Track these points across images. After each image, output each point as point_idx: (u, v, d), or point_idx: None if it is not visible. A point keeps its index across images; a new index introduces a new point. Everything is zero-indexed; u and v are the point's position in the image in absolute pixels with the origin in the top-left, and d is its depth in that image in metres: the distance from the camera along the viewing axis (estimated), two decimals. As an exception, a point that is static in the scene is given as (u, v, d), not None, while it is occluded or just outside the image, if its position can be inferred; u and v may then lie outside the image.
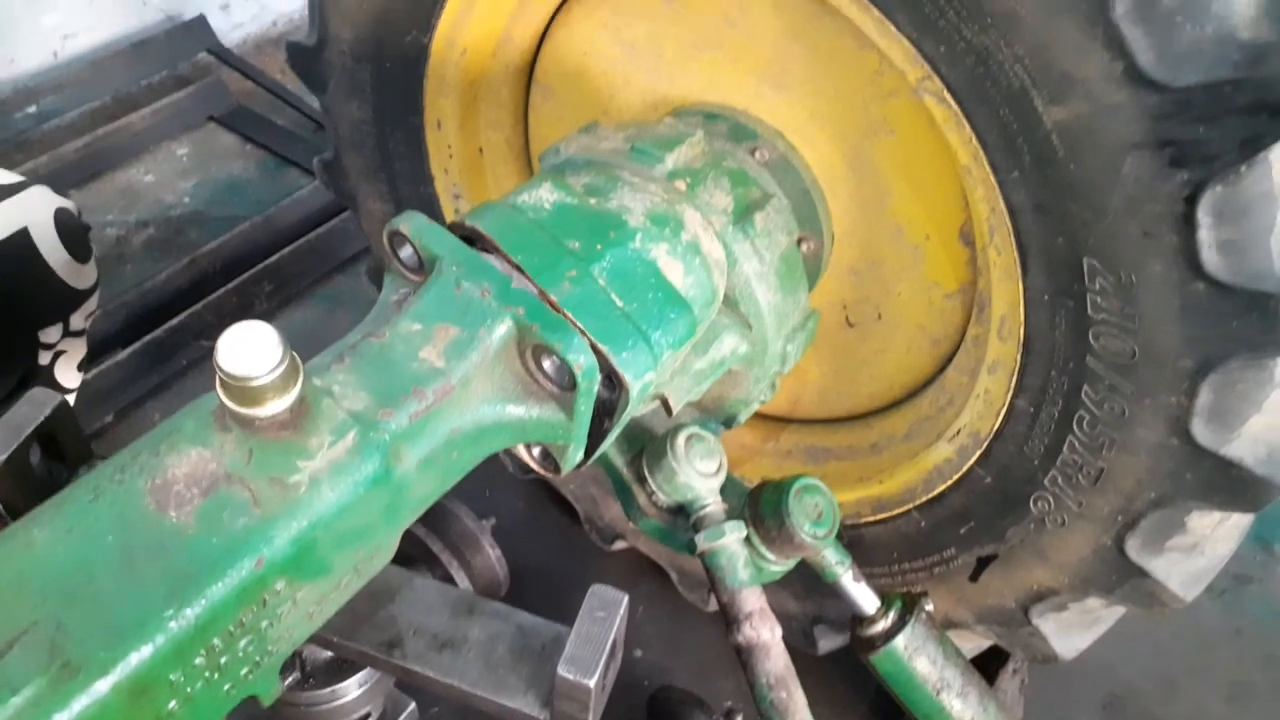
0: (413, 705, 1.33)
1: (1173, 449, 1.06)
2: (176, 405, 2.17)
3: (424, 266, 1.00)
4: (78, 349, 1.61)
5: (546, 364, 0.96)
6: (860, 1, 1.02)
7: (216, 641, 0.78)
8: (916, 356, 1.40)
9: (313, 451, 0.82)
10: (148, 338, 2.12)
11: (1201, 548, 1.18)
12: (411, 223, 0.99)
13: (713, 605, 1.76)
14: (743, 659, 1.10)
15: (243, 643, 0.81)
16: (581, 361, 0.93)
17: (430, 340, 0.94)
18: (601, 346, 0.98)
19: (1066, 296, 1.05)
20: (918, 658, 1.20)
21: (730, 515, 1.14)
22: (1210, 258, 0.93)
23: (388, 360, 0.92)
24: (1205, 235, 0.92)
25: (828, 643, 1.59)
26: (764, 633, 1.09)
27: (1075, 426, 1.12)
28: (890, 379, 1.45)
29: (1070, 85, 0.92)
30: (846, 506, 1.44)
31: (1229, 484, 1.06)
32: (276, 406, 0.79)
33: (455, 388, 0.92)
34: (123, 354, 2.08)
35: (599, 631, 0.94)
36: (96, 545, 0.77)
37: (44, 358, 1.59)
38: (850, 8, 1.05)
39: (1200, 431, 1.03)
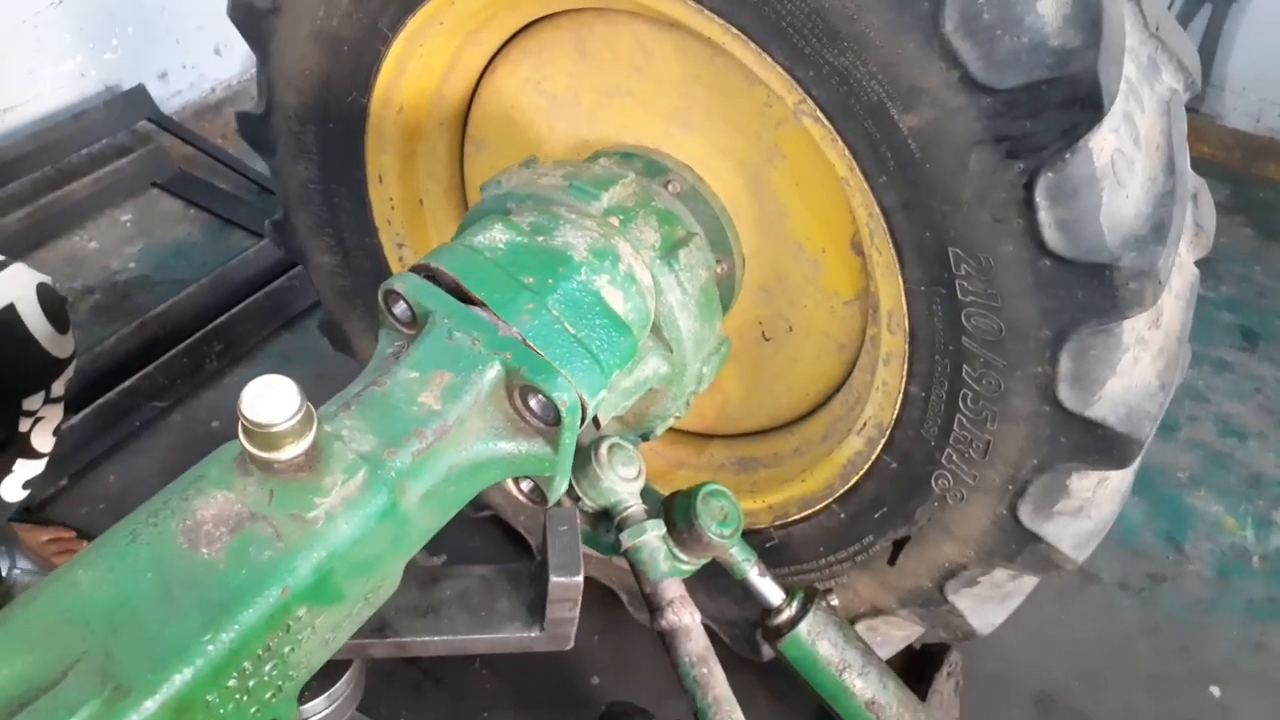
0: None
1: (1045, 415, 1.18)
2: (131, 467, 2.24)
3: (416, 321, 1.11)
4: (55, 415, 1.67)
5: (533, 402, 1.06)
6: (740, 39, 1.17)
7: (247, 665, 0.85)
8: (826, 363, 1.52)
9: (327, 489, 0.91)
10: (100, 401, 2.17)
11: (1087, 511, 1.30)
12: (405, 282, 1.10)
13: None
14: (666, 642, 1.19)
15: (268, 667, 0.87)
16: (565, 399, 1.04)
17: (427, 386, 1.04)
18: (564, 371, 1.09)
19: (939, 285, 1.18)
20: (820, 641, 1.31)
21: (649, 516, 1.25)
22: (1051, 236, 1.07)
23: (390, 406, 1.02)
24: (1044, 216, 1.06)
25: (771, 649, 1.67)
26: (685, 617, 1.19)
27: (961, 404, 1.25)
28: (806, 386, 1.57)
29: (918, 94, 1.06)
30: (775, 507, 1.55)
31: (1096, 443, 1.18)
32: (294, 450, 0.88)
33: (452, 428, 1.02)
34: (75, 418, 2.12)
35: (569, 540, 1.05)
36: (137, 582, 0.83)
37: (24, 424, 1.65)
38: (734, 45, 1.20)
39: (1066, 396, 1.16)
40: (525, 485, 1.15)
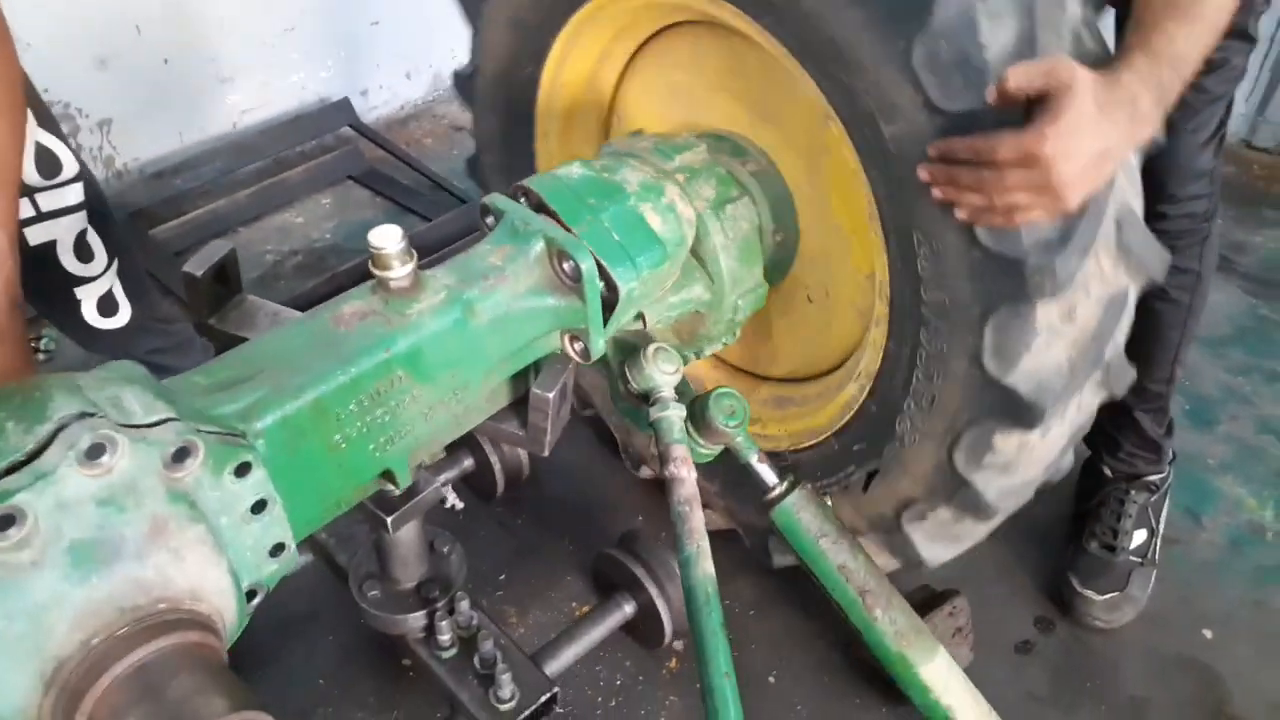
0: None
1: (974, 377, 1.49)
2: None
3: (499, 223, 1.58)
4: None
5: (565, 266, 1.48)
6: (792, 61, 1.55)
7: (363, 398, 1.29)
8: (850, 325, 1.86)
9: (421, 300, 1.37)
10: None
11: (1011, 469, 1.58)
12: (494, 199, 1.56)
13: (643, 474, 2.31)
14: (668, 486, 1.57)
15: (379, 411, 1.32)
16: (585, 264, 1.45)
17: (494, 253, 1.50)
18: (604, 263, 1.52)
19: (908, 262, 1.51)
20: (802, 513, 1.63)
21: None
22: (981, 232, 1.39)
23: (468, 263, 1.48)
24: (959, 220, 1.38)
25: (780, 558, 2.03)
26: (683, 470, 1.56)
27: (918, 361, 1.57)
28: (834, 344, 1.91)
29: (896, 110, 1.41)
30: (794, 435, 1.91)
31: (1010, 406, 1.48)
32: (400, 271, 1.34)
33: (509, 278, 1.46)
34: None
35: (557, 370, 1.49)
36: (301, 340, 1.32)
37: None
38: (790, 63, 1.57)
39: (989, 363, 1.46)
40: (578, 346, 1.57)
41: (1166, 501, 2.20)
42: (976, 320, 1.45)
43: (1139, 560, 2.11)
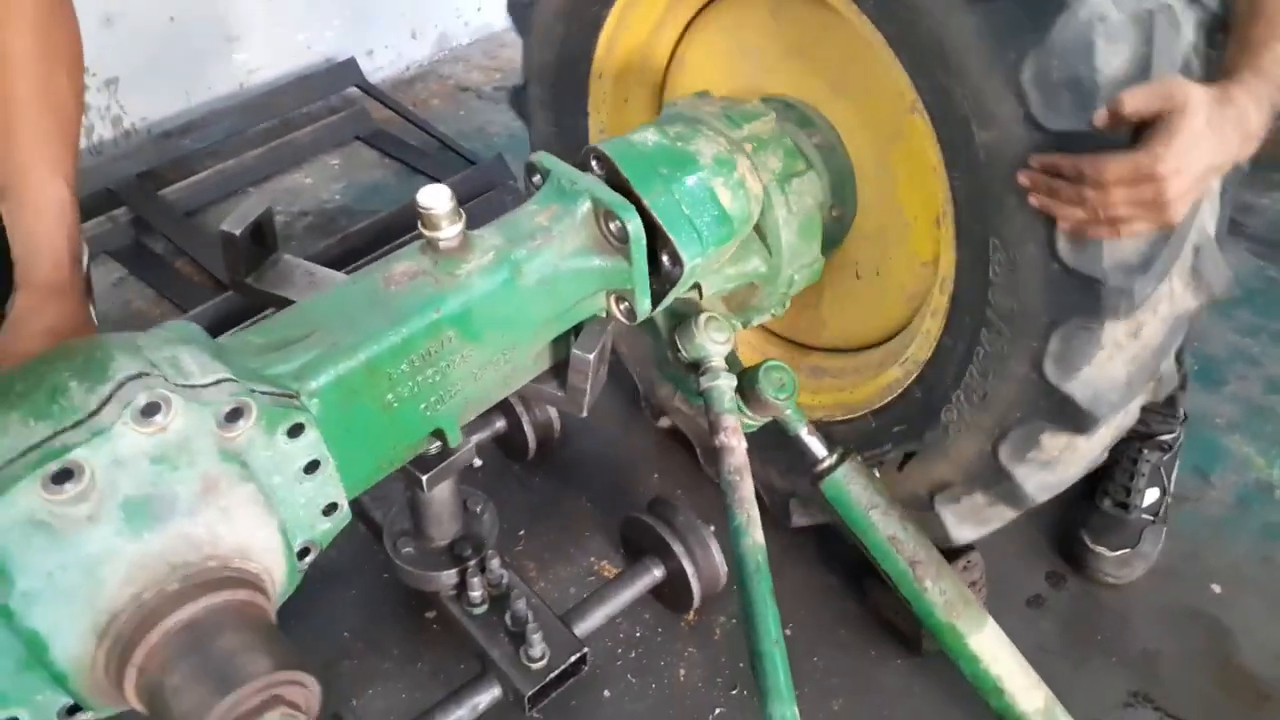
0: None
1: (1032, 381, 1.54)
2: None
3: (546, 183, 1.55)
4: None
5: (613, 226, 1.46)
6: (885, 48, 1.53)
7: (414, 358, 1.30)
8: (897, 308, 1.89)
9: (470, 261, 1.37)
10: (311, 293, 2.80)
11: (1053, 466, 1.65)
12: (539, 157, 1.54)
13: (661, 423, 2.35)
14: (718, 455, 1.61)
15: (430, 370, 1.33)
16: (634, 222, 1.45)
17: (542, 213, 1.48)
18: (671, 236, 1.52)
19: (979, 265, 1.54)
20: (852, 485, 1.69)
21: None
22: (1063, 248, 1.42)
23: (516, 223, 1.47)
24: (1061, 234, 1.41)
25: (800, 518, 2.10)
26: (734, 440, 1.60)
27: (974, 358, 1.61)
28: (878, 323, 1.94)
29: (992, 119, 1.41)
30: (828, 408, 1.96)
31: (1065, 411, 1.53)
32: (449, 232, 1.34)
33: (556, 238, 1.45)
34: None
35: (597, 333, 1.51)
36: (354, 300, 1.33)
37: None
38: (881, 48, 1.56)
39: (1050, 370, 1.51)
40: (623, 307, 1.54)
41: (1177, 460, 2.27)
42: (1043, 329, 1.49)
43: (1150, 518, 2.18)
